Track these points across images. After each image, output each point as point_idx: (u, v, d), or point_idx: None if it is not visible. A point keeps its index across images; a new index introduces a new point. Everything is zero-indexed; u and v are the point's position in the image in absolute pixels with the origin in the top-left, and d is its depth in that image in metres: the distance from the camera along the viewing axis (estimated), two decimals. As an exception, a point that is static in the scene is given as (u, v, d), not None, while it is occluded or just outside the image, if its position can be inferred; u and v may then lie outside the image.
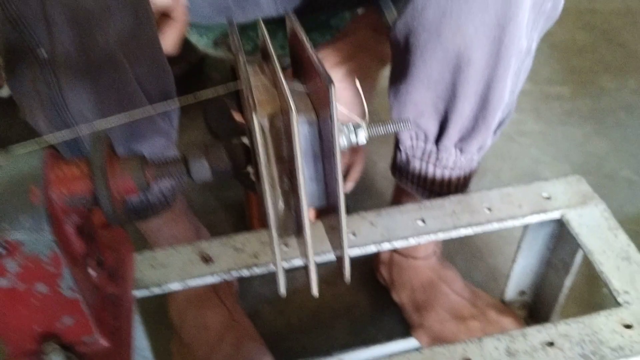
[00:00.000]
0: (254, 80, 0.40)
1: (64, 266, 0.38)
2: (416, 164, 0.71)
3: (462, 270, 0.89)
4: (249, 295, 0.91)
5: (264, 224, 0.37)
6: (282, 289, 0.39)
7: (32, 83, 0.55)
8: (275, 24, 0.83)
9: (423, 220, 0.64)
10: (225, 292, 0.84)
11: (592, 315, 0.54)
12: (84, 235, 0.41)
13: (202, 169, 0.39)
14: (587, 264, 0.62)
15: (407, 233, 0.63)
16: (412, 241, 0.63)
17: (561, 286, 0.74)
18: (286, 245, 0.59)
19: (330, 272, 0.90)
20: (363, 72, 0.68)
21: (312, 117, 0.36)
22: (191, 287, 0.59)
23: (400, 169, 0.73)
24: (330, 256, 0.55)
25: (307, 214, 0.37)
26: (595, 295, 0.89)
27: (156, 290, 0.58)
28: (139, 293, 0.57)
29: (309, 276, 0.39)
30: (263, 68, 0.42)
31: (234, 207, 1.06)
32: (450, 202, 0.66)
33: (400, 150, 0.71)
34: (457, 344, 0.52)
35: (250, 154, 0.40)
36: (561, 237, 0.70)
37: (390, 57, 0.66)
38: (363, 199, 1.06)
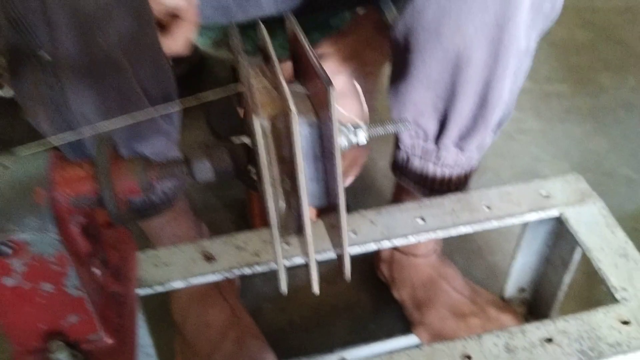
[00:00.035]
0: (255, 82, 0.40)
1: (69, 265, 0.38)
2: (416, 163, 0.71)
3: (462, 267, 0.90)
4: (251, 293, 0.92)
5: (265, 222, 0.37)
6: (284, 287, 0.40)
7: (35, 85, 0.56)
8: (275, 24, 0.83)
9: (423, 219, 0.64)
10: (227, 290, 0.85)
11: (590, 311, 0.55)
12: (88, 235, 0.42)
13: (204, 170, 0.39)
14: (586, 261, 0.62)
15: (407, 231, 0.63)
16: (412, 239, 0.63)
17: (560, 283, 0.74)
18: (287, 243, 0.60)
19: (331, 270, 0.91)
20: (370, 67, 0.69)
21: (313, 118, 0.37)
22: (194, 285, 0.60)
23: (400, 167, 0.74)
24: (331, 254, 0.56)
25: (308, 213, 0.37)
26: (594, 292, 0.89)
27: (159, 289, 0.59)
28: (142, 291, 0.58)
29: (310, 274, 0.39)
30: (264, 70, 0.43)
31: (235, 205, 1.07)
32: (449, 201, 0.67)
33: (400, 148, 0.72)
34: (456, 341, 0.53)
35: (251, 154, 0.40)
36: (560, 234, 0.71)
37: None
38: (363, 197, 1.06)
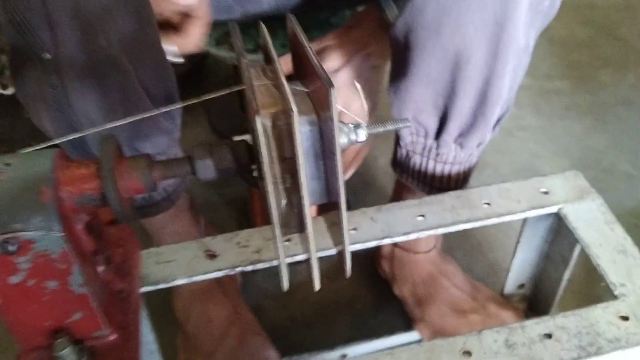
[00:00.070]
0: (256, 82, 0.41)
1: (74, 263, 0.39)
2: (416, 160, 0.72)
3: (463, 264, 0.90)
4: (252, 290, 0.92)
5: (266, 219, 0.38)
6: (285, 284, 0.40)
7: (37, 85, 0.56)
8: (276, 23, 0.84)
9: (423, 216, 0.65)
10: (229, 286, 0.85)
11: (589, 307, 0.55)
12: (92, 233, 0.42)
13: (207, 169, 0.40)
14: (585, 257, 0.63)
15: (407, 228, 0.64)
16: (412, 236, 0.64)
17: (560, 279, 0.75)
18: (289, 240, 0.60)
19: (331, 267, 0.91)
20: (375, 59, 0.69)
21: (313, 117, 0.37)
22: (196, 282, 0.60)
23: (400, 164, 0.74)
24: (332, 251, 0.57)
25: (309, 212, 0.38)
26: (594, 288, 0.90)
27: (163, 287, 0.59)
28: (145, 288, 0.58)
29: (312, 271, 0.40)
30: (265, 69, 0.43)
31: (236, 202, 1.07)
32: (449, 198, 0.67)
33: (400, 146, 0.72)
34: (457, 337, 0.53)
35: (253, 152, 0.41)
36: (559, 231, 0.71)
37: None
38: (364, 194, 1.07)
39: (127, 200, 0.39)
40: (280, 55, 0.41)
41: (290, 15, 0.45)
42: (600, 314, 0.55)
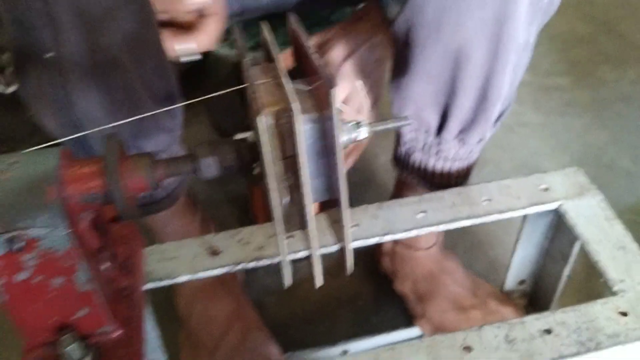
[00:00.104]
0: (258, 80, 0.41)
1: (79, 260, 0.39)
2: (417, 156, 0.72)
3: (463, 260, 0.91)
4: (254, 286, 0.92)
5: (268, 216, 0.38)
6: (288, 281, 0.41)
7: (39, 84, 0.56)
8: (277, 20, 0.84)
9: (423, 212, 0.65)
10: (231, 283, 0.86)
11: (588, 303, 0.56)
12: (97, 230, 0.43)
13: (209, 167, 0.40)
14: (585, 253, 0.63)
15: (408, 225, 0.64)
16: (413, 233, 0.64)
17: (560, 275, 0.75)
18: (291, 237, 0.61)
19: (333, 264, 0.92)
20: (380, 52, 0.69)
21: (315, 115, 0.38)
22: (199, 278, 0.61)
23: (401, 161, 0.75)
24: (334, 248, 0.57)
25: (311, 209, 0.38)
26: (594, 284, 0.90)
27: (166, 283, 0.60)
28: (149, 285, 0.59)
29: (314, 268, 0.40)
30: (266, 67, 0.43)
31: (237, 199, 1.07)
32: (450, 194, 0.67)
33: (401, 143, 0.72)
34: (457, 333, 0.54)
35: (255, 151, 0.41)
36: (559, 227, 0.72)
37: None
38: (365, 192, 1.07)
39: (132, 198, 0.40)
40: (280, 51, 0.42)
41: (291, 14, 0.45)
42: (600, 310, 0.55)
